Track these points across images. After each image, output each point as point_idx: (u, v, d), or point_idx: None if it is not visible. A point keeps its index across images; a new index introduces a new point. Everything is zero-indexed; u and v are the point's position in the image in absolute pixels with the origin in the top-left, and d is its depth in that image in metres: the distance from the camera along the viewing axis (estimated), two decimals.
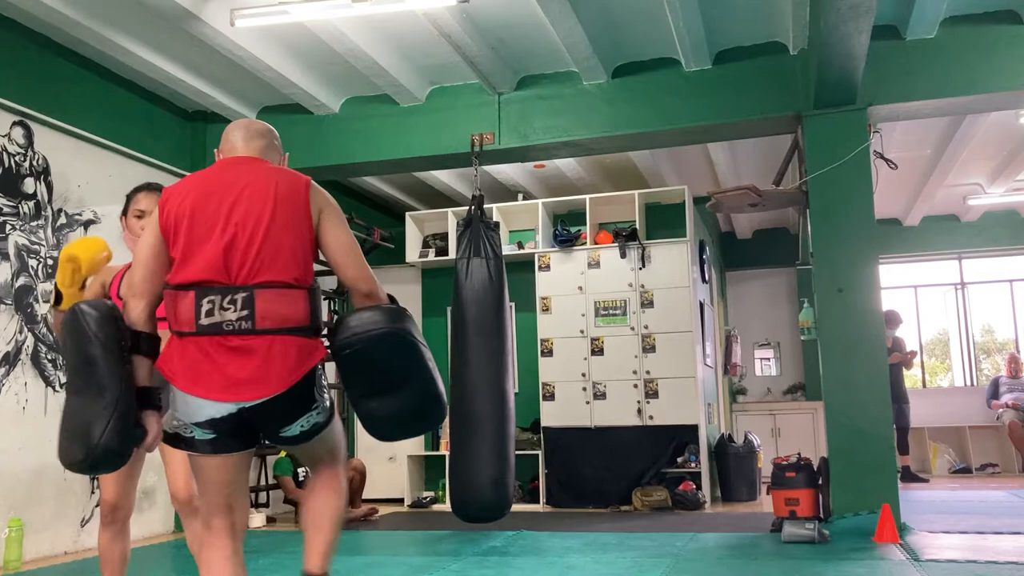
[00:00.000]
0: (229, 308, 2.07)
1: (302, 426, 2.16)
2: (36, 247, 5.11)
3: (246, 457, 2.23)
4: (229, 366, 2.06)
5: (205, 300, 2.07)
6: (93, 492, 5.37)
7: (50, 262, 5.19)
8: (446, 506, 6.78)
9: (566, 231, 7.72)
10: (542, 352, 7.52)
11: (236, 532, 2.21)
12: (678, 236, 7.47)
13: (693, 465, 7.06)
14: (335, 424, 2.32)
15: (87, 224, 5.49)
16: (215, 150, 2.38)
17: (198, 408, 2.08)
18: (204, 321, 2.07)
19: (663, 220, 7.73)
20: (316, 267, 2.29)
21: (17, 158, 5.04)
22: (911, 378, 11.95)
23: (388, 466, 8.00)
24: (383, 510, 7.04)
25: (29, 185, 5.10)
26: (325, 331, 2.24)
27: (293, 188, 2.21)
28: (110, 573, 2.98)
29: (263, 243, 2.13)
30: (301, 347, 2.14)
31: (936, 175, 8.48)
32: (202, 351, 2.07)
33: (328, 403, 2.26)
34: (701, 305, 7.77)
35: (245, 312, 2.07)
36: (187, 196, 2.18)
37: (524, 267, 7.71)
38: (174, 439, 2.16)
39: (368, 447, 8.19)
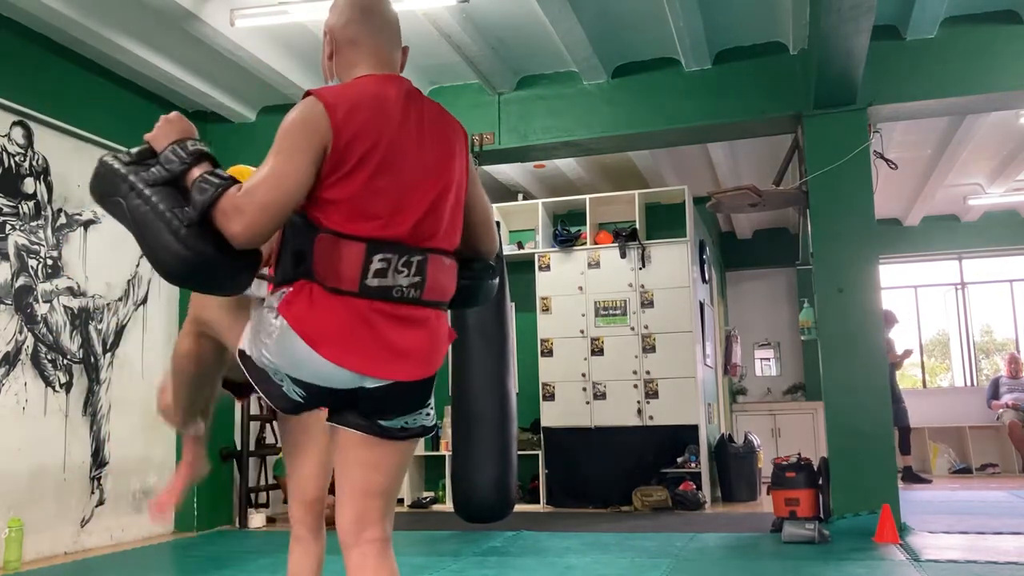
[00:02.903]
0: (403, 271, 1.76)
1: (406, 422, 1.85)
2: (36, 247, 5.11)
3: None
4: (395, 337, 1.77)
5: (378, 257, 1.74)
6: (93, 492, 5.37)
7: (49, 262, 5.19)
8: (446, 506, 6.78)
9: (566, 231, 7.72)
10: (542, 352, 7.52)
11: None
12: (678, 236, 7.47)
13: (693, 465, 7.06)
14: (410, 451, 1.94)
15: (87, 224, 5.49)
16: (330, 34, 1.93)
17: (328, 375, 1.75)
18: (373, 282, 1.74)
19: (663, 220, 7.73)
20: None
21: (17, 158, 5.03)
22: (912, 378, 11.95)
23: None
24: None
25: (29, 185, 5.10)
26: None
27: (462, 136, 1.95)
28: None
29: (455, 205, 1.87)
30: (448, 329, 1.90)
31: (936, 175, 8.48)
32: (360, 316, 1.74)
33: (434, 414, 1.95)
34: (701, 305, 7.77)
35: (415, 280, 1.77)
36: (374, 119, 1.78)
37: (524, 267, 7.71)
38: (259, 377, 1.81)
39: None
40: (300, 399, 1.79)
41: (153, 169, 1.74)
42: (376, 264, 1.73)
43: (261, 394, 1.81)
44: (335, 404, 1.82)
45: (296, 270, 1.75)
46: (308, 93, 1.77)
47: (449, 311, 1.96)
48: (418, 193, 1.80)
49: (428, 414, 1.89)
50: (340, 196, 1.73)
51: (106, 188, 1.77)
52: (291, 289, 1.76)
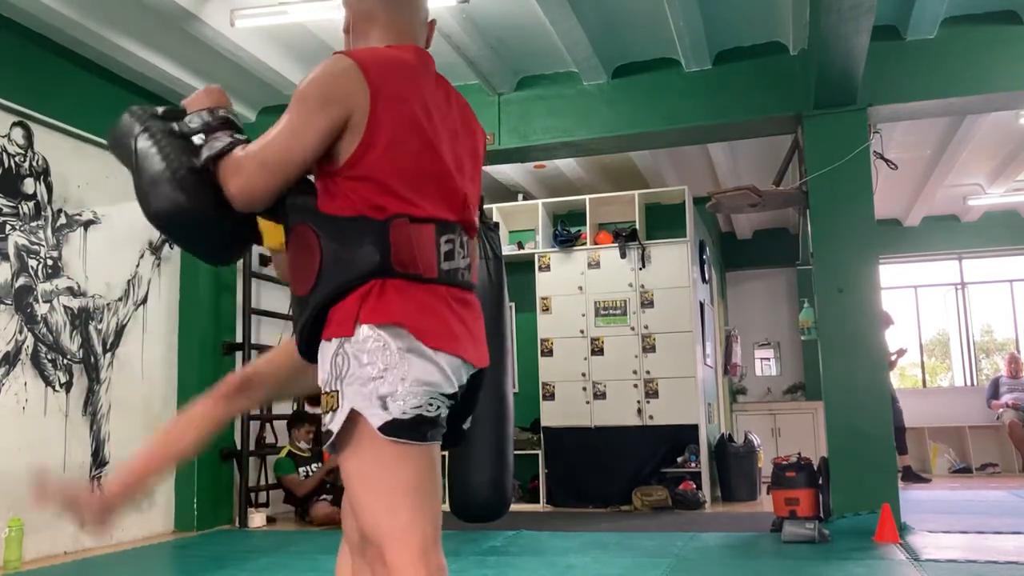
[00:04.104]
0: (461, 252, 1.63)
1: (469, 423, 1.76)
2: (36, 247, 5.11)
3: None
4: (470, 322, 1.66)
5: (444, 239, 1.60)
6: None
7: (49, 262, 5.19)
8: (444, 506, 6.77)
9: (566, 231, 7.72)
10: (542, 352, 7.52)
11: None
12: (678, 236, 7.47)
13: (693, 465, 7.06)
14: None
15: (87, 224, 5.49)
16: (347, 6, 1.79)
17: (455, 371, 1.59)
18: (445, 266, 1.60)
19: (663, 220, 7.73)
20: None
21: (17, 158, 5.03)
22: (912, 378, 11.96)
23: None
24: None
25: (29, 185, 5.10)
26: None
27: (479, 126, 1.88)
28: None
29: (478, 188, 1.78)
30: None
31: (936, 175, 8.48)
32: (444, 302, 1.60)
33: None
34: (701, 305, 7.77)
35: (467, 261, 1.65)
36: (412, 84, 1.64)
37: (524, 267, 7.71)
38: (413, 427, 1.53)
39: None
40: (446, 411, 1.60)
41: (174, 124, 1.68)
42: (444, 247, 1.60)
43: (428, 444, 1.56)
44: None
45: (366, 268, 1.54)
46: (335, 54, 1.62)
47: None
48: (461, 171, 1.69)
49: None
50: (389, 171, 1.56)
51: (122, 131, 1.69)
52: (357, 296, 1.54)
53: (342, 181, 1.57)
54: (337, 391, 1.53)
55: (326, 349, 1.56)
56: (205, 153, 1.60)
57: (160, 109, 1.73)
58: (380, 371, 1.51)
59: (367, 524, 1.56)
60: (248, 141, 1.63)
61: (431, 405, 1.54)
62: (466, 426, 1.76)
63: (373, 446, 1.52)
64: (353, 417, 1.53)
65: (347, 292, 1.55)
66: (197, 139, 1.65)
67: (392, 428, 1.51)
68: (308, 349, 1.62)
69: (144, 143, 1.64)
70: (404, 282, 1.55)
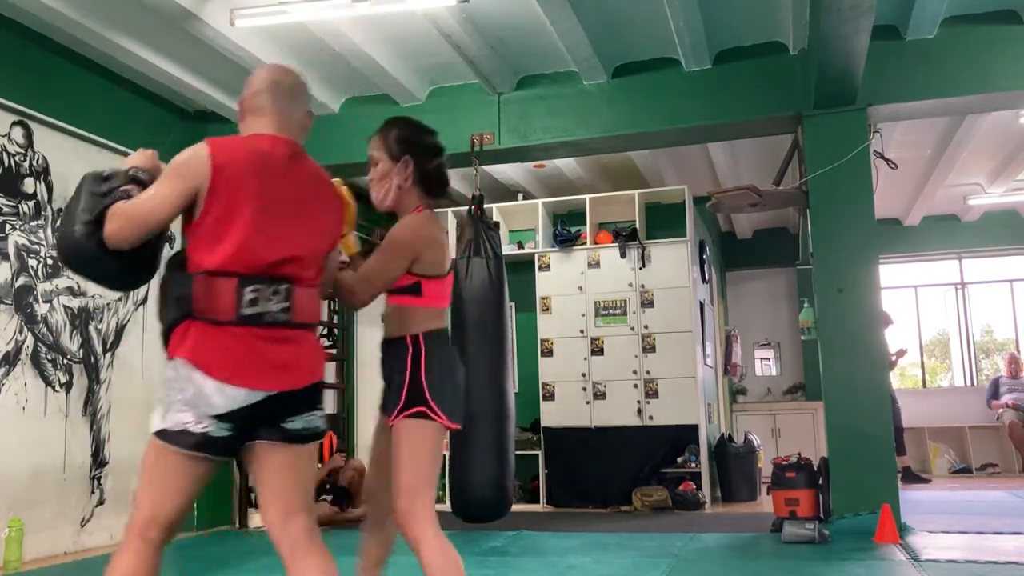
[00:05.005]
0: (275, 298, 2.07)
1: (306, 423, 2.12)
2: (36, 247, 5.11)
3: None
4: (272, 354, 2.07)
5: (249, 289, 2.04)
6: (93, 492, 5.37)
7: (49, 262, 5.19)
8: (445, 506, 6.77)
9: (566, 231, 7.72)
10: (542, 352, 7.52)
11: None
12: (678, 236, 7.47)
13: (693, 465, 7.06)
14: (315, 454, 2.24)
15: None
16: (241, 105, 2.28)
17: (235, 397, 2.01)
18: (247, 311, 2.03)
19: (663, 220, 7.73)
20: None
21: (17, 158, 5.03)
22: (912, 378, 11.96)
23: None
24: None
25: (29, 185, 5.10)
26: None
27: (339, 198, 2.35)
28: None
29: (321, 247, 2.24)
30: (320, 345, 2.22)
31: (936, 175, 8.48)
32: (242, 341, 2.04)
33: (325, 415, 2.23)
34: (701, 305, 7.77)
35: (284, 305, 2.08)
36: (254, 171, 2.12)
37: (524, 267, 7.71)
38: (176, 438, 2.01)
39: (367, 447, 8.18)
40: (229, 432, 2.02)
41: (102, 184, 2.13)
42: (248, 295, 2.03)
43: (188, 452, 2.01)
44: (255, 424, 2.05)
45: (181, 313, 2.04)
46: (203, 140, 2.11)
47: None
48: (290, 238, 2.10)
49: (320, 418, 2.16)
50: (212, 235, 2.03)
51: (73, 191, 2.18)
52: (178, 331, 2.05)
53: (189, 238, 2.08)
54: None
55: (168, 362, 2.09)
56: (99, 203, 2.07)
57: (107, 171, 2.17)
58: (173, 390, 2.02)
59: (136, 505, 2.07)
60: (134, 194, 2.10)
61: (199, 423, 1.99)
62: (292, 425, 2.09)
63: (155, 444, 2.04)
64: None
65: (176, 326, 2.06)
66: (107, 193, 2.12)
67: (162, 435, 2.02)
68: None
69: (71, 201, 2.13)
70: (205, 324, 2.02)
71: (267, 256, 2.07)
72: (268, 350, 2.04)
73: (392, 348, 2.51)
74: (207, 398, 1.99)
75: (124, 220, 2.04)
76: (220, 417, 2.00)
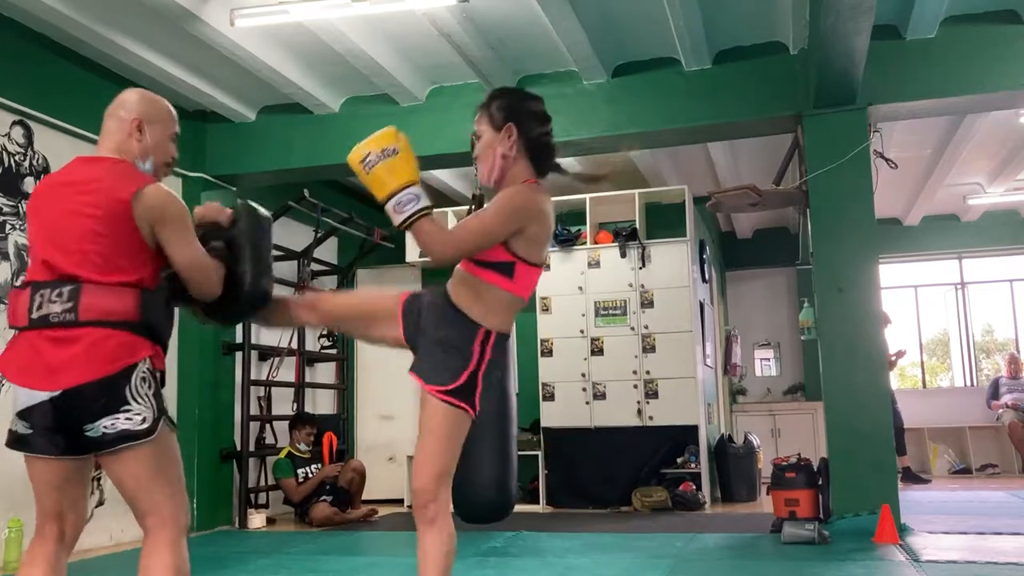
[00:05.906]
0: (58, 300, 2.14)
1: (106, 428, 2.10)
2: None
3: (76, 467, 2.25)
4: (50, 355, 2.13)
5: (37, 294, 2.16)
6: (93, 492, 5.36)
7: None
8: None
9: (566, 231, 7.72)
10: (542, 352, 7.52)
11: (65, 542, 2.42)
12: (678, 236, 7.47)
13: (693, 465, 7.05)
14: (158, 452, 2.20)
15: None
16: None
17: (26, 397, 2.15)
18: (35, 315, 2.14)
19: (663, 220, 7.72)
20: None
21: (17, 158, 5.03)
22: (912, 378, 11.97)
23: (387, 467, 8.00)
24: (383, 511, 7.04)
25: (29, 185, 5.10)
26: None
27: (120, 191, 2.29)
28: None
29: (95, 242, 2.30)
30: (122, 341, 2.17)
31: (936, 175, 8.48)
32: (29, 343, 2.16)
33: (149, 417, 2.16)
34: (701, 305, 7.77)
35: (68, 305, 2.14)
36: (40, 189, 2.35)
37: None
38: (9, 439, 2.20)
39: (367, 448, 8.19)
40: (27, 430, 2.15)
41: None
42: (36, 300, 2.14)
43: (10, 448, 2.21)
44: (56, 428, 2.13)
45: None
46: None
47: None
48: (58, 239, 2.18)
49: (128, 419, 2.12)
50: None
51: None
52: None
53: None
54: None
55: None
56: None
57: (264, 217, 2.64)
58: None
59: None
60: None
61: (15, 424, 2.17)
62: (93, 433, 2.12)
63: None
64: None
65: None
66: None
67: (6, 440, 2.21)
68: None
69: (263, 249, 2.60)
70: (15, 332, 2.19)
71: (48, 262, 2.20)
72: (46, 351, 2.13)
73: (459, 321, 2.34)
74: (13, 400, 2.18)
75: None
76: (21, 415, 2.16)
